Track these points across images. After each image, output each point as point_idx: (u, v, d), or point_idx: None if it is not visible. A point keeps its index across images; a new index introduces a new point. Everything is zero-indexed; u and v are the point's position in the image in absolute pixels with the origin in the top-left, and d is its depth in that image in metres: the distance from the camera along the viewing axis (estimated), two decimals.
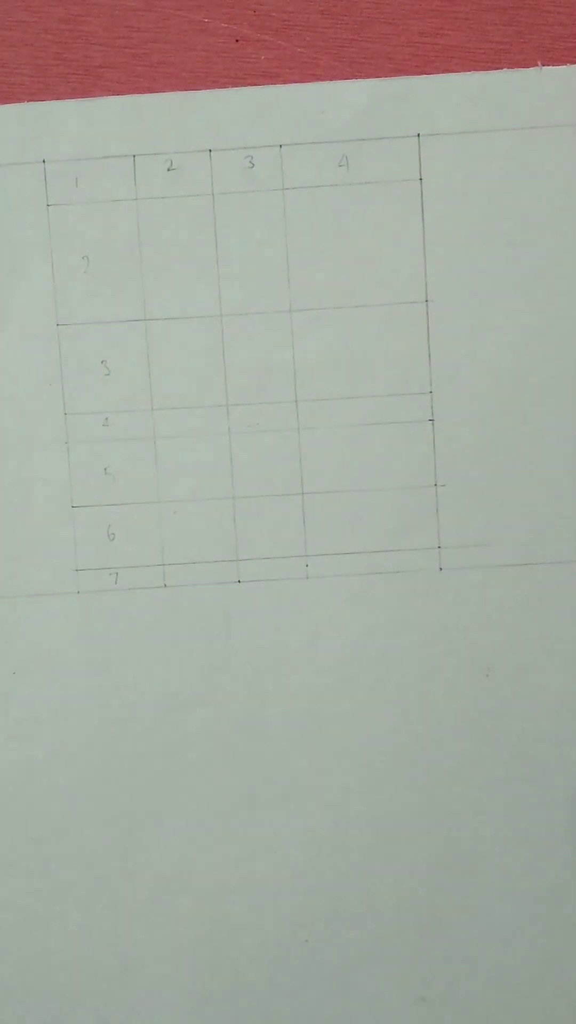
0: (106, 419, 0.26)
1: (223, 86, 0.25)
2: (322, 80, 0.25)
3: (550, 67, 0.25)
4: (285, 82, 0.25)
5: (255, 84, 0.25)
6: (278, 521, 0.26)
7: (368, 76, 0.25)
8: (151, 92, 0.25)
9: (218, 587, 0.26)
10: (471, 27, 0.25)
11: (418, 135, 0.25)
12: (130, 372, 0.25)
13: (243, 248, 0.25)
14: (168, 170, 0.25)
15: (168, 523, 0.26)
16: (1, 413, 0.26)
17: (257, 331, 0.25)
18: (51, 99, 0.25)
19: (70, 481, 0.26)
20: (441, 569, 0.26)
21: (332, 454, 0.26)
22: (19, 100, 0.25)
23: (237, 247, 0.25)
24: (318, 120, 0.25)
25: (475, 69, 0.25)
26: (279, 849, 0.26)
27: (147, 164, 0.25)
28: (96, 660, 0.26)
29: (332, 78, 0.25)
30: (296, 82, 0.25)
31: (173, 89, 0.25)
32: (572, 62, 0.25)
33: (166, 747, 0.26)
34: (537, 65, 0.25)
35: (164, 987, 0.26)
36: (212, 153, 0.25)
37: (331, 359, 0.25)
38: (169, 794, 0.26)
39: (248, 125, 0.25)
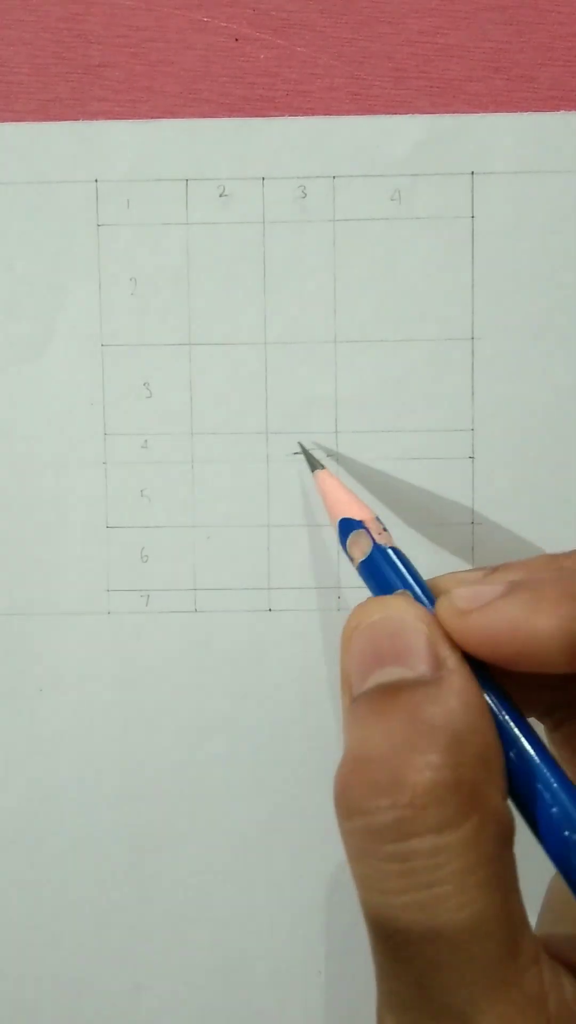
0: (145, 441, 0.26)
1: (222, 85, 0.25)
2: (321, 79, 0.24)
3: None
4: (284, 81, 0.25)
5: (254, 83, 0.25)
6: (312, 551, 0.26)
7: (367, 75, 0.24)
8: (149, 91, 0.25)
9: (249, 614, 0.26)
10: (471, 27, 0.25)
11: (472, 173, 0.25)
12: (171, 396, 0.25)
13: (291, 277, 0.25)
14: (220, 196, 0.25)
15: (202, 548, 0.26)
16: (42, 431, 0.25)
17: (301, 360, 0.25)
18: (49, 97, 0.25)
19: (106, 501, 0.26)
20: None
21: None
22: (17, 99, 0.25)
23: (285, 276, 0.25)
24: (372, 153, 0.25)
25: (474, 69, 0.25)
26: (295, 880, 0.26)
27: (199, 189, 0.25)
28: (123, 681, 0.26)
29: (331, 77, 0.25)
30: (296, 81, 0.25)
31: (173, 88, 0.25)
32: (571, 62, 0.25)
33: (188, 772, 0.26)
34: None
35: (174, 1011, 0.26)
36: (265, 181, 0.25)
37: (373, 392, 0.25)
38: (189, 819, 0.26)
39: (302, 155, 0.25)
